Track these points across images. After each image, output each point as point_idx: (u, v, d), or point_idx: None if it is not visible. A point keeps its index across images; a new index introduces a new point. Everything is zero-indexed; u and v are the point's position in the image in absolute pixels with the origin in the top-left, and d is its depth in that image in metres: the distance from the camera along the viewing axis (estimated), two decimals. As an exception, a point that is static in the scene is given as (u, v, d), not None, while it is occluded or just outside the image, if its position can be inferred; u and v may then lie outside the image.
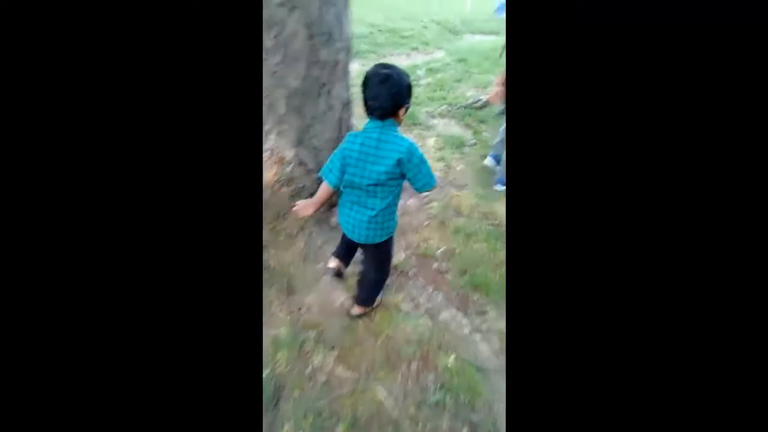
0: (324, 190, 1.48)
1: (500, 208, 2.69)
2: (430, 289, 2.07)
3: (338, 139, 2.36)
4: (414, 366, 1.71)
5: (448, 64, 6.69)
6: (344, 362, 1.69)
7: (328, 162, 1.46)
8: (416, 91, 5.20)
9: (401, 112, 1.35)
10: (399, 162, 1.31)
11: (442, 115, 4.42)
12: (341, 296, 1.95)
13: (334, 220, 2.38)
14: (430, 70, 6.00)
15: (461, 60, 6.82)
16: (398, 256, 2.22)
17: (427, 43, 8.45)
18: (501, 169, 3.02)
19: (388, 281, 1.92)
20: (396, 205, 1.48)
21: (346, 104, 2.40)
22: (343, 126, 2.40)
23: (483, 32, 10.42)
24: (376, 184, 1.36)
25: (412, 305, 1.98)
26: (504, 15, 12.02)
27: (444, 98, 4.90)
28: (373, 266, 1.72)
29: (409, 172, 1.34)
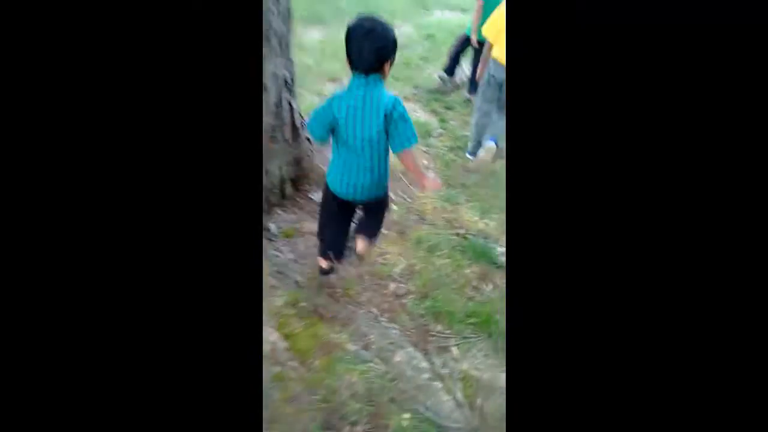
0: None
1: (466, 214, 2.35)
2: (384, 320, 1.70)
3: (273, 130, 1.92)
4: (360, 429, 1.36)
5: (416, 40, 6.18)
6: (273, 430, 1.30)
7: (313, 114, 1.37)
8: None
9: (386, 66, 1.27)
10: (385, 117, 1.26)
11: (407, 99, 3.97)
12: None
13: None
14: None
15: (429, 36, 6.32)
16: (348, 272, 1.83)
17: (394, 15, 7.86)
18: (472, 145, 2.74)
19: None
20: (387, 158, 1.41)
21: (286, 84, 1.93)
22: (284, 112, 1.94)
23: (452, 8, 9.91)
24: (370, 142, 1.31)
25: (361, 344, 1.61)
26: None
27: (410, 78, 4.44)
28: (373, 218, 1.64)
29: (390, 127, 1.28)
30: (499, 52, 2.41)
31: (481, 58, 2.60)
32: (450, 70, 3.92)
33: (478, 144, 2.71)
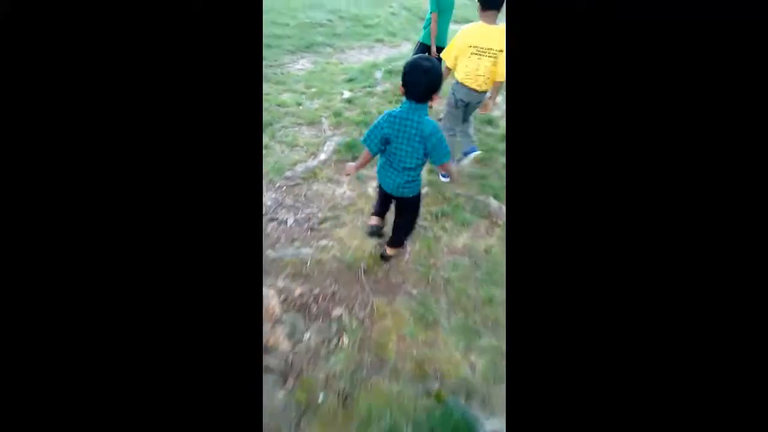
0: (366, 155, 1.75)
1: (445, 348, 1.68)
2: None
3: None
4: None
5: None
6: None
7: (368, 133, 1.67)
8: (368, 102, 4.07)
9: (435, 96, 1.56)
10: (424, 140, 1.56)
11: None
12: None
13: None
14: (389, 73, 4.83)
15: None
16: None
17: (394, 34, 7.18)
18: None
19: None
20: (422, 168, 1.73)
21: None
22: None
23: (456, 21, 9.17)
24: (411, 156, 1.62)
25: None
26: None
27: None
28: (404, 216, 1.94)
29: (430, 147, 1.58)
30: (461, 74, 2.43)
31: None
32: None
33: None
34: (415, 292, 1.91)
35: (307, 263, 2.01)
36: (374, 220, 2.14)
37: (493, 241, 2.28)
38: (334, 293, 1.85)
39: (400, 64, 5.22)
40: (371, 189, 2.70)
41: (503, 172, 3.00)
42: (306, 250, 2.10)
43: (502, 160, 3.15)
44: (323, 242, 2.17)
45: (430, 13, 3.40)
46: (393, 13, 8.04)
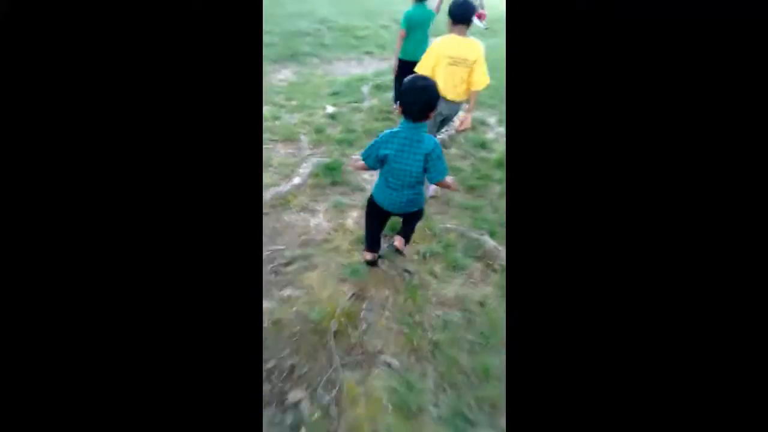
0: (363, 165, 1.72)
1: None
2: None
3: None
4: None
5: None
6: None
7: (367, 149, 1.66)
8: (353, 119, 3.72)
9: (431, 114, 1.55)
10: (425, 157, 1.56)
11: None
12: None
13: None
14: (377, 88, 4.49)
15: (420, 74, 5.36)
16: None
17: (383, 47, 6.88)
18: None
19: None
20: (423, 184, 1.73)
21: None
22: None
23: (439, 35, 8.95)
24: (411, 173, 1.61)
25: None
26: (473, 19, 10.60)
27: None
28: (410, 223, 1.91)
29: (429, 164, 1.58)
30: (439, 85, 2.20)
31: None
32: (396, 98, 3.87)
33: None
34: (396, 363, 1.54)
35: (262, 325, 1.62)
36: (369, 256, 1.96)
37: (489, 290, 1.93)
38: (293, 368, 1.46)
39: (389, 79, 4.93)
40: (351, 220, 2.33)
41: (500, 203, 2.67)
42: (263, 305, 1.71)
43: (498, 189, 2.82)
44: (287, 292, 1.79)
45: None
46: (384, 26, 7.76)
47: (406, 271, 1.94)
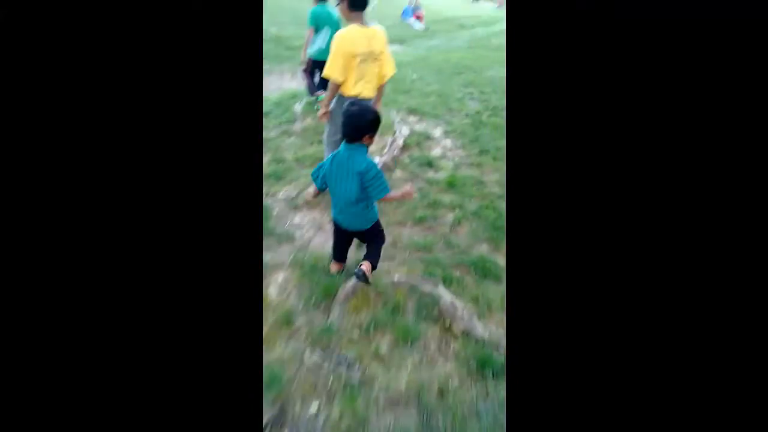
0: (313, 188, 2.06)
1: None
2: None
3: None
4: None
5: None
6: None
7: (315, 169, 1.73)
8: (283, 144, 3.21)
9: (365, 138, 1.60)
10: (360, 177, 1.58)
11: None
12: None
13: None
14: (312, 105, 3.99)
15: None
16: None
17: (320, 56, 6.39)
18: None
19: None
20: (372, 202, 1.71)
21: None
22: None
23: (389, 40, 8.56)
24: (349, 193, 1.64)
25: None
26: (410, 19, 10.25)
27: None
28: (371, 240, 1.85)
29: (367, 184, 1.60)
30: (353, 88, 2.21)
31: (329, 89, 2.28)
32: (310, 89, 3.96)
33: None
34: None
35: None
36: (334, 268, 1.94)
37: (450, 368, 1.52)
38: None
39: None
40: (274, 288, 1.85)
41: (453, 237, 2.27)
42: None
43: (451, 217, 2.43)
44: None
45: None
46: (319, 33, 7.25)
47: (342, 363, 1.48)
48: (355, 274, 1.73)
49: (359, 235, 1.85)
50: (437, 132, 3.69)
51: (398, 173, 2.93)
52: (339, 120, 2.21)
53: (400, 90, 4.72)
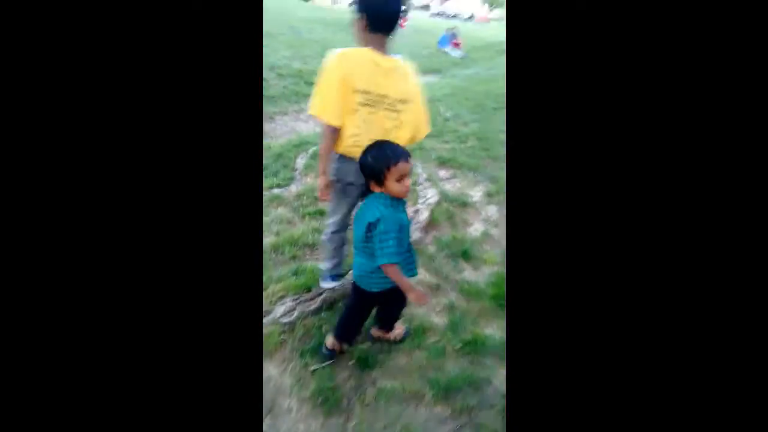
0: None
1: None
2: None
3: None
4: None
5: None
6: None
7: None
8: (266, 220, 2.32)
9: (373, 186, 1.17)
10: (368, 227, 1.17)
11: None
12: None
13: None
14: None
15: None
16: None
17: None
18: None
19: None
20: (366, 256, 1.25)
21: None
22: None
23: (423, 71, 7.67)
24: (358, 244, 1.27)
25: None
26: (448, 47, 9.33)
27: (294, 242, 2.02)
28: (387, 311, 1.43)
29: (372, 239, 1.17)
30: (347, 141, 1.29)
31: (321, 139, 1.34)
32: None
33: (339, 264, 1.66)
34: None
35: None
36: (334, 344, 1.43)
37: None
38: None
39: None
40: None
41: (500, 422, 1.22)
42: None
43: (500, 376, 1.37)
44: None
45: None
46: (347, 66, 6.49)
47: None
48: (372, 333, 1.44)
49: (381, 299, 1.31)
50: (477, 194, 2.65)
51: (420, 273, 1.91)
52: (344, 200, 1.45)
53: (430, 133, 3.73)
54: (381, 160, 1.11)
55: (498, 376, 1.37)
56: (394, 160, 1.10)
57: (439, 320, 1.59)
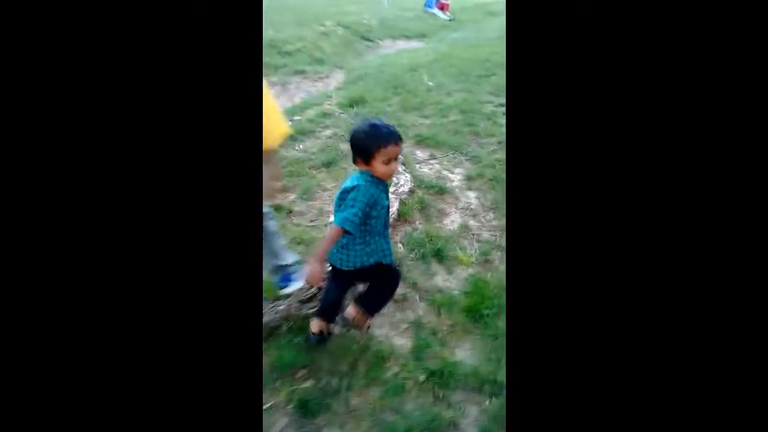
0: None
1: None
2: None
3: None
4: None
5: (342, 104, 3.43)
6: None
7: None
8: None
9: (358, 161, 1.14)
10: (342, 193, 1.15)
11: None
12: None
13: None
14: (291, 138, 2.74)
15: (360, 95, 3.55)
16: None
17: (321, 61, 5.09)
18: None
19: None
20: (363, 238, 1.18)
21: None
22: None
23: (407, 36, 7.08)
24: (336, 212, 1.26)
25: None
26: (434, 9, 8.64)
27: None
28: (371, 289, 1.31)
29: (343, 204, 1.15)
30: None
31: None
32: None
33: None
34: None
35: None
36: (319, 326, 1.32)
37: None
38: None
39: (316, 113, 3.21)
40: None
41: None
42: None
43: (483, 407, 1.12)
44: None
45: None
46: (324, 33, 5.93)
47: None
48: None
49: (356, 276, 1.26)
50: (456, 177, 2.34)
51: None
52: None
53: (410, 105, 3.36)
54: (373, 138, 1.08)
55: (468, 417, 1.12)
56: (385, 141, 1.07)
57: (402, 342, 1.33)
